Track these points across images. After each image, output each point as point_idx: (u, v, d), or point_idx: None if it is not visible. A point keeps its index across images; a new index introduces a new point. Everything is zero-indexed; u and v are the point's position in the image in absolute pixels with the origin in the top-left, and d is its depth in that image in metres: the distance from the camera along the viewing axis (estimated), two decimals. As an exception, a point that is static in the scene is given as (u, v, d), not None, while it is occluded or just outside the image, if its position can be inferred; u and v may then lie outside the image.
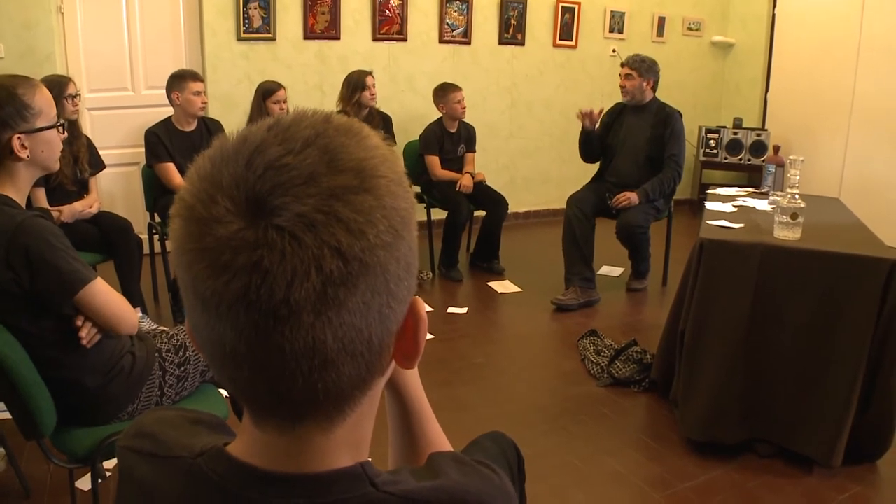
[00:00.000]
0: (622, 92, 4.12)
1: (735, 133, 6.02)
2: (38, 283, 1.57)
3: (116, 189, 4.37)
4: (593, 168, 4.41)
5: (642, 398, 2.92)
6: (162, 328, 2.08)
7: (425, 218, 4.47)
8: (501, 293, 4.16)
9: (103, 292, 1.66)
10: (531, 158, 5.91)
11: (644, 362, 3.04)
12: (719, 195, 3.42)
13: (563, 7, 5.67)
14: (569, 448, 2.52)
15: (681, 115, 4.11)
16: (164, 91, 3.65)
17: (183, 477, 0.58)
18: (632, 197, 3.95)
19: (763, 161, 5.71)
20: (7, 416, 1.86)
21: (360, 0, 4.93)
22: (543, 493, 2.24)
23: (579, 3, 5.73)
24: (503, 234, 4.52)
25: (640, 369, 3.02)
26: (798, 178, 2.55)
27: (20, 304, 1.59)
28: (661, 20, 6.17)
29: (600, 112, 4.10)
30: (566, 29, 5.76)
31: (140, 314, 1.94)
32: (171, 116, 3.68)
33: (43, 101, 1.63)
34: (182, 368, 1.89)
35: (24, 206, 1.66)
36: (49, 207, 3.12)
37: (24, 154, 1.59)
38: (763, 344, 2.42)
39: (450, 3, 5.25)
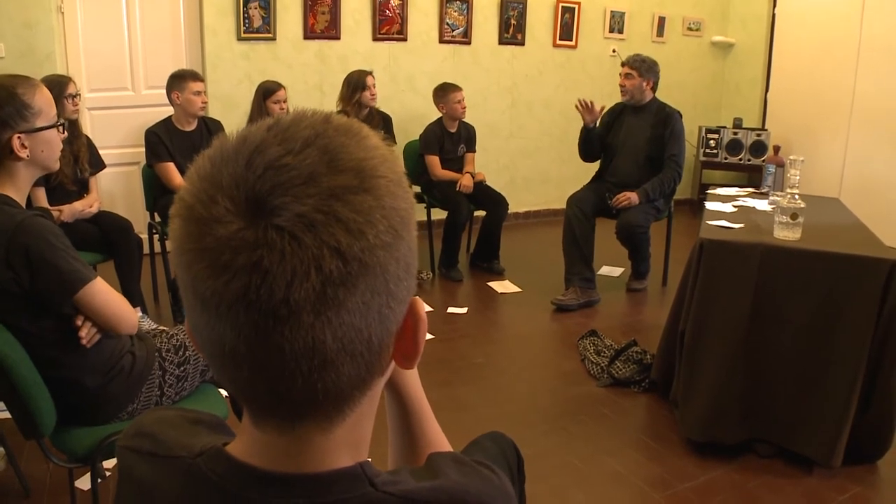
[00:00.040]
0: (622, 91, 4.12)
1: (735, 133, 6.03)
2: (38, 283, 1.57)
3: (116, 189, 4.38)
4: (593, 168, 4.41)
5: (642, 398, 2.92)
6: (162, 328, 2.08)
7: (425, 218, 4.47)
8: (501, 293, 4.16)
9: (103, 292, 1.66)
10: (531, 158, 5.91)
11: (644, 362, 3.04)
12: (719, 195, 3.42)
13: (563, 7, 5.67)
14: (569, 448, 2.52)
15: (680, 116, 4.11)
16: (164, 91, 3.65)
17: (182, 477, 0.58)
18: (632, 197, 3.95)
19: (763, 161, 5.71)
20: (7, 415, 1.86)
21: (361, 0, 4.93)
22: (543, 493, 2.24)
23: (579, 3, 5.73)
24: (503, 235, 4.52)
25: (640, 369, 3.02)
26: (798, 178, 2.55)
27: (20, 303, 1.59)
28: (661, 20, 6.17)
29: (601, 109, 4.10)
30: (566, 29, 5.76)
31: (140, 314, 1.94)
32: (171, 116, 3.68)
33: (43, 100, 1.63)
34: (182, 368, 1.89)
35: (24, 205, 1.66)
36: (49, 207, 3.12)
37: (23, 154, 1.59)
38: (763, 344, 2.42)
39: (450, 3, 5.25)
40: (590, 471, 2.39)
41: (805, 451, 2.39)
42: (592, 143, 4.21)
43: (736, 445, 2.47)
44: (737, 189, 3.63)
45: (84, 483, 2.16)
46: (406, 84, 5.21)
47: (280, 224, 0.48)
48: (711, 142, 6.08)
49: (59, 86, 3.14)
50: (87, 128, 4.08)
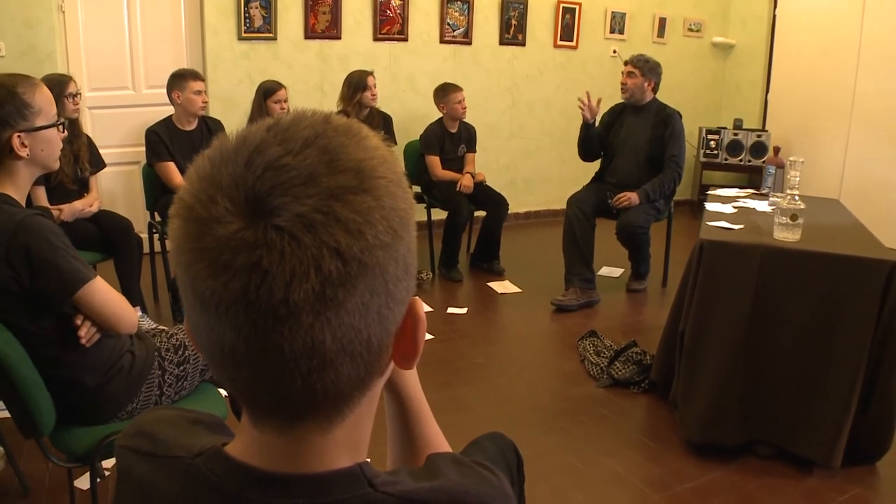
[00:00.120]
0: (622, 89, 4.12)
1: (735, 134, 6.03)
2: (37, 282, 1.57)
3: (117, 188, 4.38)
4: (593, 168, 4.41)
5: (642, 399, 2.92)
6: (161, 327, 2.08)
7: (425, 218, 4.46)
8: (501, 293, 4.16)
9: (103, 291, 1.66)
10: (532, 159, 5.91)
11: (644, 363, 3.04)
12: (719, 196, 3.42)
13: (563, 7, 5.67)
14: (568, 449, 2.52)
15: (680, 116, 4.12)
16: (164, 90, 3.65)
17: (181, 477, 0.58)
18: (632, 197, 3.95)
19: (763, 162, 5.71)
20: (6, 414, 1.86)
21: (361, 0, 4.93)
22: (543, 493, 2.24)
23: (580, 4, 5.73)
24: (503, 235, 4.52)
25: (639, 370, 3.02)
26: (798, 179, 2.55)
27: (20, 302, 1.59)
28: (662, 21, 6.17)
29: (598, 102, 4.09)
30: (567, 29, 5.76)
31: (140, 313, 1.94)
32: (171, 116, 3.68)
33: (43, 99, 1.63)
34: (181, 368, 1.89)
35: (24, 204, 1.66)
36: (49, 206, 3.12)
37: (23, 153, 1.59)
38: (763, 345, 2.42)
39: (451, 3, 5.25)
40: (589, 471, 2.39)
41: (805, 452, 2.39)
42: (592, 141, 4.21)
43: (735, 446, 2.47)
44: (737, 190, 3.62)
45: (83, 483, 2.16)
46: (407, 84, 5.21)
47: (279, 224, 0.48)
48: (712, 143, 6.08)
49: (59, 85, 3.14)
50: (88, 127, 4.08)
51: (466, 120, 4.57)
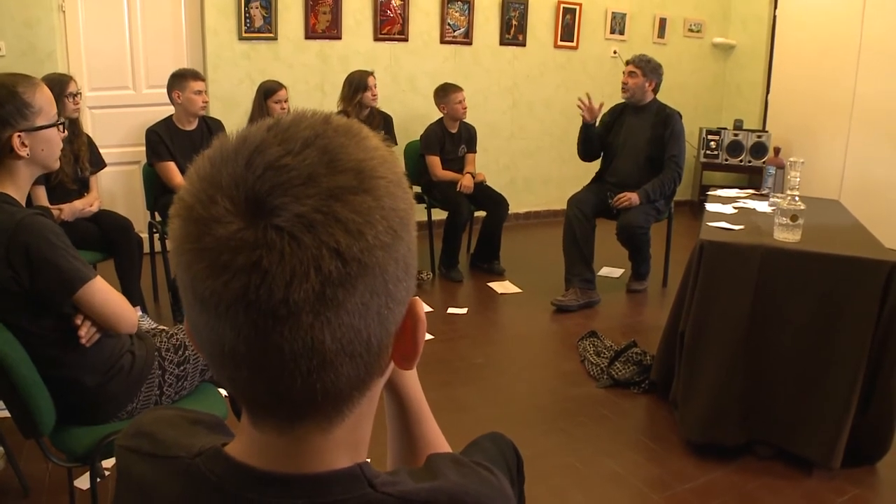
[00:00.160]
0: (623, 88, 4.12)
1: (736, 135, 6.03)
2: (37, 282, 1.57)
3: (117, 188, 4.38)
4: (593, 168, 4.41)
5: (642, 399, 2.92)
6: (161, 327, 2.08)
7: (426, 218, 4.46)
8: (501, 294, 4.16)
9: (103, 291, 1.66)
10: (532, 159, 5.91)
11: (644, 364, 3.04)
12: (720, 197, 3.42)
13: (564, 8, 5.68)
14: (568, 449, 2.52)
15: (681, 116, 4.12)
16: (164, 90, 3.65)
17: (181, 477, 0.58)
18: (632, 197, 3.95)
19: (763, 163, 5.71)
20: (6, 414, 1.86)
21: (362, 0, 4.93)
22: (543, 493, 2.24)
23: (580, 4, 5.73)
24: (503, 235, 4.52)
25: (639, 371, 3.02)
26: (798, 179, 2.55)
27: (20, 302, 1.59)
28: (662, 21, 6.17)
29: (600, 106, 4.10)
30: (567, 30, 5.76)
31: (140, 313, 1.94)
32: (171, 115, 3.68)
33: (43, 99, 1.63)
34: (181, 367, 1.89)
35: (24, 204, 1.66)
36: (49, 206, 3.12)
37: (24, 152, 1.59)
38: (763, 346, 2.42)
39: (451, 3, 5.25)
40: (589, 472, 2.39)
41: (804, 453, 2.39)
42: (592, 141, 4.21)
43: (735, 447, 2.47)
44: (737, 190, 3.62)
45: (83, 482, 2.16)
46: (407, 84, 5.21)
47: (279, 224, 0.48)
48: (712, 143, 6.08)
49: (59, 84, 3.14)
50: (88, 127, 4.08)
51: (467, 120, 4.57)
